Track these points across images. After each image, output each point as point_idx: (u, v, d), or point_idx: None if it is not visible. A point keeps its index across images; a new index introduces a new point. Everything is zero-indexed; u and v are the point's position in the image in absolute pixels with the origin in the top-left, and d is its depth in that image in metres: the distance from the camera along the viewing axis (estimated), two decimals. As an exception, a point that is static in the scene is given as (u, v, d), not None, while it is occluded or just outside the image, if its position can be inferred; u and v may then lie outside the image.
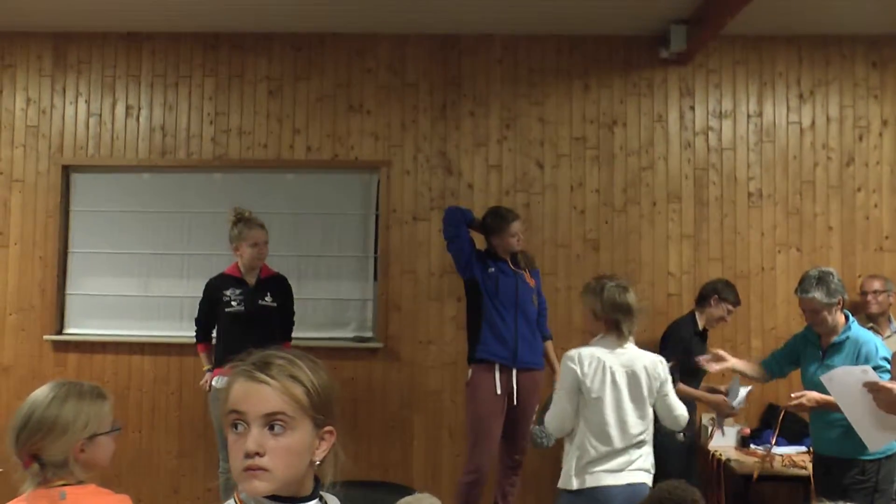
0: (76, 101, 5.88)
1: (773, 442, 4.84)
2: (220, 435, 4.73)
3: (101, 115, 5.86)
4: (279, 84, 5.80)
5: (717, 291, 4.94)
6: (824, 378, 3.57)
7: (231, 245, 4.87)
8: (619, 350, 3.54)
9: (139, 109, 5.86)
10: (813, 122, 5.69)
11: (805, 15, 5.35)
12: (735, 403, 4.60)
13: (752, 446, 5.04)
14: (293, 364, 1.46)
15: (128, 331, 5.75)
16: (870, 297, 5.18)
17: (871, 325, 4.95)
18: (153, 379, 5.71)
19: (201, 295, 4.98)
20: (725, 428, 4.87)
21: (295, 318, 5.08)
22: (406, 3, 5.24)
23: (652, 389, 3.55)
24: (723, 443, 5.05)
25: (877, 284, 5.21)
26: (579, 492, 3.45)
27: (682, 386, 4.68)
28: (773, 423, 5.05)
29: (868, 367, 3.49)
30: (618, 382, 3.49)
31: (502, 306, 4.74)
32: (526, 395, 4.69)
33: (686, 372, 4.77)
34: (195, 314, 5.00)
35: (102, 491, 2.20)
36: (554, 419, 3.58)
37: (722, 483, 4.91)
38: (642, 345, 5.35)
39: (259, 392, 1.41)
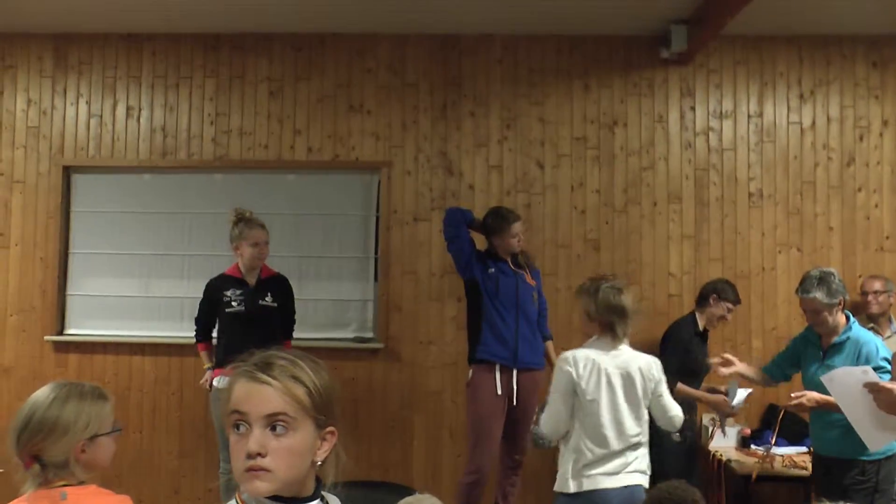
0: (77, 102, 5.88)
1: (773, 442, 4.84)
2: (221, 435, 4.74)
3: (101, 116, 5.87)
4: (280, 85, 5.81)
5: (716, 291, 4.94)
6: (825, 378, 3.57)
7: (231, 245, 4.87)
8: (613, 352, 3.53)
9: (140, 110, 5.86)
10: (813, 123, 5.69)
11: (805, 15, 5.35)
12: (734, 404, 4.60)
13: (753, 447, 5.04)
14: (295, 365, 1.46)
15: (128, 331, 5.75)
16: (870, 298, 5.18)
17: (871, 325, 4.95)
18: (154, 379, 5.71)
19: (202, 295, 4.98)
20: (726, 428, 4.86)
21: (296, 318, 5.08)
22: (406, 4, 5.24)
23: (647, 391, 3.55)
24: (723, 443, 5.05)
25: (877, 285, 5.21)
26: (577, 495, 3.45)
27: (681, 386, 4.69)
28: (773, 423, 5.05)
29: (868, 368, 3.49)
30: (613, 384, 3.49)
31: (503, 307, 4.74)
32: (526, 396, 4.69)
33: (686, 372, 4.78)
34: (196, 314, 5.01)
35: (103, 491, 2.20)
36: (548, 421, 3.58)
37: (722, 483, 4.91)
38: (644, 345, 5.36)
39: (261, 393, 1.41)
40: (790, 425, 4.91)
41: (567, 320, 5.48)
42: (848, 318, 3.87)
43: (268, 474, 1.39)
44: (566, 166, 5.70)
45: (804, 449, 4.81)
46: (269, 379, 1.42)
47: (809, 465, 4.34)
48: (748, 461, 4.80)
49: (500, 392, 4.66)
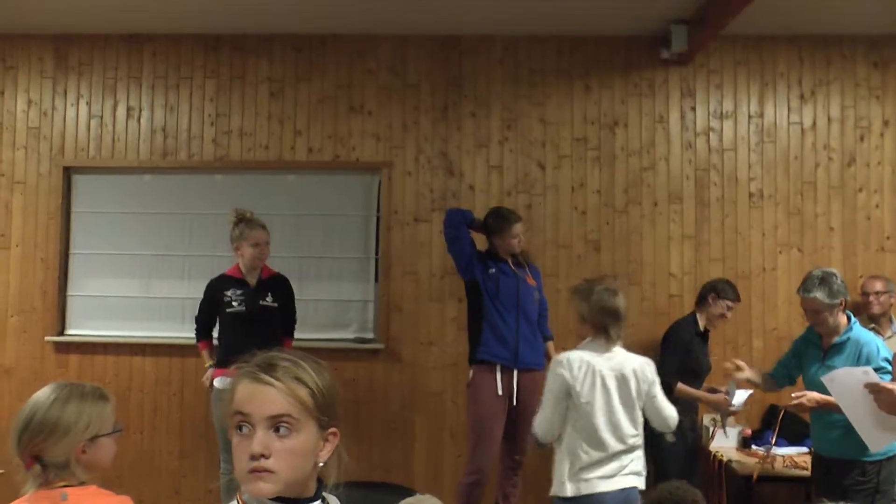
0: (77, 103, 5.89)
1: (773, 442, 4.84)
2: (222, 436, 4.74)
3: (102, 117, 5.87)
4: (280, 85, 5.81)
5: (714, 290, 4.94)
6: (825, 379, 3.57)
7: (232, 245, 4.87)
8: (607, 354, 3.53)
9: (140, 111, 5.86)
10: (814, 123, 5.69)
11: (806, 15, 5.35)
12: (735, 404, 4.60)
13: (754, 447, 5.03)
14: (298, 366, 1.46)
15: (129, 332, 5.76)
16: (872, 298, 5.18)
17: (872, 325, 4.95)
18: (154, 380, 5.71)
19: (202, 295, 4.99)
20: (727, 429, 4.86)
21: (296, 318, 5.08)
22: (407, 5, 5.24)
23: (641, 392, 3.54)
24: (724, 444, 5.05)
25: (878, 285, 5.21)
26: (574, 499, 3.45)
27: (682, 386, 4.69)
28: (774, 424, 5.05)
29: (869, 368, 3.49)
30: (608, 386, 3.48)
31: (503, 307, 4.74)
32: (527, 396, 4.68)
33: (687, 372, 4.78)
34: (195, 315, 5.02)
35: (104, 492, 2.20)
36: (542, 424, 3.58)
37: (723, 484, 4.91)
38: (644, 345, 5.39)
39: (264, 394, 1.41)
40: (790, 426, 4.91)
41: (568, 321, 5.44)
42: (849, 319, 3.86)
43: (271, 475, 1.39)
44: (567, 167, 5.70)
45: (805, 449, 4.81)
46: (273, 380, 1.42)
47: (810, 466, 4.33)
48: (749, 461, 4.80)
49: (500, 392, 4.66)
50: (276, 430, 1.41)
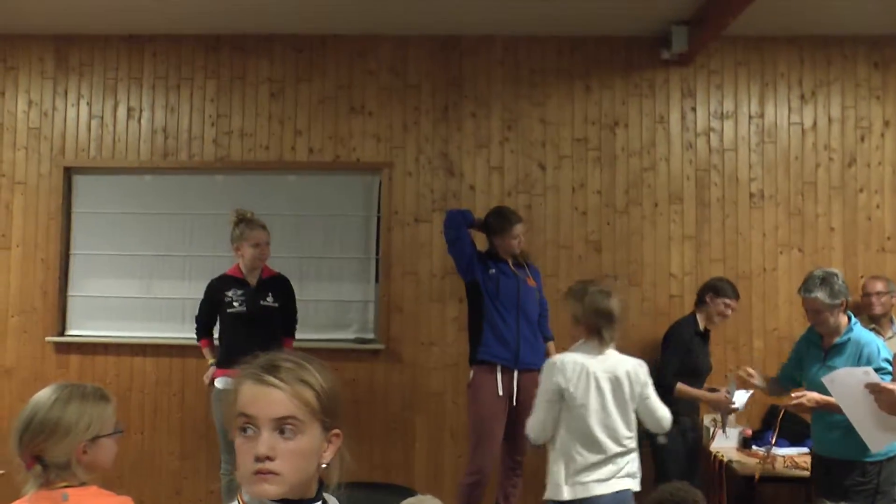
0: (78, 104, 5.89)
1: (773, 442, 4.83)
2: (223, 436, 4.74)
3: (102, 118, 5.87)
4: (281, 86, 5.81)
5: (711, 289, 4.95)
6: (826, 379, 3.57)
7: (232, 245, 4.88)
8: (601, 356, 3.52)
9: (141, 111, 5.86)
10: (815, 123, 5.69)
11: (806, 15, 5.35)
12: (736, 405, 4.60)
13: (754, 447, 5.03)
14: (302, 367, 1.46)
15: (130, 332, 5.76)
16: (873, 299, 5.17)
17: (872, 326, 4.94)
18: (155, 380, 5.71)
19: (203, 296, 4.99)
20: (727, 429, 4.86)
21: (297, 318, 5.08)
22: (407, 5, 5.24)
23: (634, 394, 3.54)
24: (724, 444, 5.04)
25: (879, 286, 5.20)
26: (570, 503, 3.44)
27: (681, 386, 4.69)
28: (774, 424, 5.05)
29: (869, 369, 3.49)
30: (602, 388, 3.48)
31: (503, 307, 4.74)
32: (527, 397, 4.65)
33: (687, 372, 4.77)
34: (196, 313, 5.02)
35: (104, 493, 2.20)
36: (535, 426, 3.58)
37: (724, 484, 4.91)
38: (645, 346, 5.39)
39: (269, 396, 1.41)
40: (791, 426, 4.90)
41: (568, 321, 5.44)
42: (850, 319, 3.86)
43: (276, 477, 1.40)
44: (567, 167, 5.70)
45: (805, 450, 4.80)
46: (278, 382, 1.42)
47: (810, 466, 4.33)
48: (749, 462, 4.80)
49: (501, 393, 4.66)
50: (281, 431, 1.41)
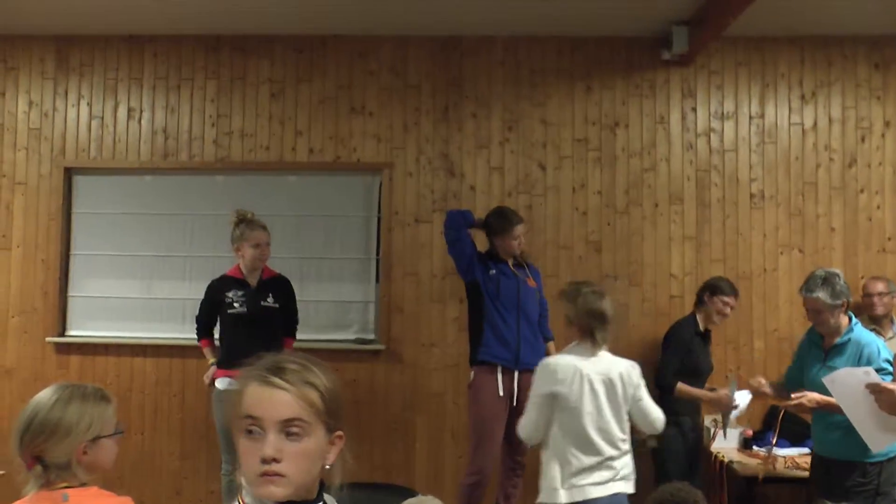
0: (78, 104, 5.89)
1: (774, 443, 4.83)
2: (223, 436, 4.74)
3: (103, 118, 5.87)
4: (281, 86, 5.81)
5: (708, 287, 4.97)
6: (826, 380, 3.56)
7: (233, 246, 4.87)
8: (594, 358, 3.51)
9: (141, 112, 5.87)
10: (815, 124, 5.69)
11: (807, 16, 5.35)
12: (738, 406, 4.60)
13: (755, 448, 5.03)
14: (307, 369, 1.46)
15: (130, 333, 5.76)
16: (875, 300, 5.17)
17: (873, 326, 4.93)
18: (155, 381, 5.71)
19: (203, 296, 4.99)
20: (728, 430, 4.86)
21: (298, 318, 5.08)
22: (407, 5, 5.24)
23: (627, 396, 3.53)
24: (725, 445, 5.04)
25: (880, 286, 5.20)
26: None
27: (682, 385, 4.69)
28: (774, 424, 5.05)
29: (870, 369, 3.49)
30: (596, 390, 3.47)
31: (504, 308, 4.74)
32: (528, 397, 4.67)
33: (688, 373, 4.77)
34: (197, 314, 5.03)
35: (105, 493, 2.20)
36: (526, 426, 3.57)
37: (724, 485, 4.91)
38: (646, 346, 5.39)
39: (275, 397, 1.41)
40: (792, 426, 4.90)
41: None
42: (850, 320, 3.86)
43: (282, 479, 1.40)
44: (568, 168, 5.70)
45: (806, 450, 4.79)
46: (284, 384, 1.42)
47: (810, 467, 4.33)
48: (750, 462, 4.80)
49: (501, 393, 4.66)
50: (287, 433, 1.41)
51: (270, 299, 4.86)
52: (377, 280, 5.74)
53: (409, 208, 5.72)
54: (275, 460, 1.39)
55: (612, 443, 3.48)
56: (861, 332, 3.85)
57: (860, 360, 3.72)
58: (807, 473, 4.31)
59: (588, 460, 3.44)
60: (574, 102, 5.73)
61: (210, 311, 4.93)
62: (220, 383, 4.73)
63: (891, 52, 5.67)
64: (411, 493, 3.44)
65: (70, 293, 5.84)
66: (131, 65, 5.88)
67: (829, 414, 3.69)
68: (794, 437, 4.95)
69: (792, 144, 5.67)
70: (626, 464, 3.54)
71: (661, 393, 4.79)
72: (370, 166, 5.76)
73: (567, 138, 5.72)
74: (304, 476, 1.43)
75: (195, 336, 5.05)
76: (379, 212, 5.77)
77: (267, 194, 5.71)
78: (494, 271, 4.79)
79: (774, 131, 5.69)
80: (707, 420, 5.20)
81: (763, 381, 4.13)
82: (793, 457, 4.78)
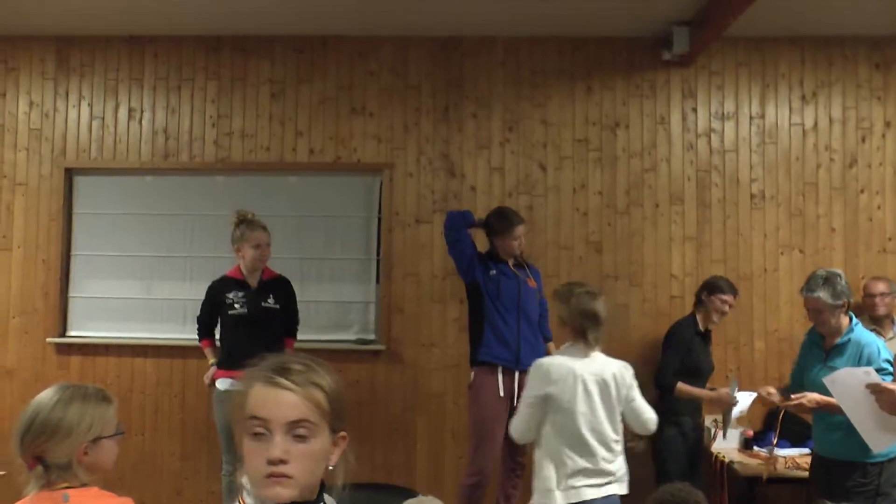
0: (79, 105, 5.89)
1: (775, 443, 4.83)
2: (224, 437, 4.74)
3: (103, 118, 5.87)
4: (281, 87, 5.81)
5: (706, 286, 4.98)
6: (827, 380, 3.56)
7: (233, 247, 4.87)
8: (587, 359, 3.50)
9: (142, 112, 5.87)
10: (816, 124, 5.68)
11: (807, 16, 5.35)
12: (741, 407, 4.60)
13: (756, 448, 5.03)
14: (313, 370, 1.46)
15: (131, 333, 5.76)
16: (877, 300, 5.16)
17: (874, 327, 4.93)
18: (156, 381, 5.71)
19: (204, 297, 4.99)
20: (729, 430, 4.85)
21: (298, 318, 5.08)
22: (407, 6, 5.24)
23: (621, 396, 3.53)
24: (726, 445, 5.04)
25: (882, 286, 5.20)
26: None
27: (682, 385, 4.69)
28: (775, 425, 5.05)
29: (870, 369, 3.49)
30: (590, 392, 3.46)
31: (504, 308, 4.74)
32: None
33: (688, 372, 4.78)
34: (198, 314, 5.03)
35: (105, 494, 2.20)
36: (518, 426, 3.56)
37: (725, 485, 4.90)
38: (646, 346, 5.39)
39: (283, 398, 1.41)
40: (793, 427, 4.90)
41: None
42: (851, 320, 3.86)
43: (289, 480, 1.39)
44: (568, 168, 5.70)
45: (807, 451, 4.79)
46: (291, 384, 1.42)
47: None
48: (751, 463, 4.80)
49: (502, 394, 4.65)
50: (294, 434, 1.40)
51: (271, 300, 4.86)
52: (377, 280, 5.74)
53: (409, 209, 5.72)
54: (282, 461, 1.38)
55: (606, 444, 3.47)
56: (861, 333, 3.85)
57: (860, 360, 3.72)
58: (807, 474, 4.31)
59: (583, 461, 3.43)
60: (574, 103, 5.73)
61: (211, 312, 4.93)
62: (221, 384, 4.73)
63: (891, 53, 5.67)
64: (412, 494, 3.44)
65: (71, 294, 5.84)
66: (132, 65, 5.89)
67: (830, 414, 3.69)
68: (794, 437, 4.95)
69: (792, 145, 5.67)
70: (619, 465, 3.54)
71: (661, 393, 4.80)
72: (370, 167, 5.76)
73: (567, 139, 5.72)
74: (310, 477, 1.43)
75: (196, 337, 5.06)
76: (379, 212, 5.77)
77: (267, 195, 5.71)
78: (495, 272, 4.79)
79: (775, 132, 5.69)
80: (708, 420, 5.19)
81: (772, 389, 4.11)
82: (793, 457, 4.77)
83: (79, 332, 5.82)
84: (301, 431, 1.41)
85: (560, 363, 3.49)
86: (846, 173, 5.64)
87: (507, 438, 4.71)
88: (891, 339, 5.00)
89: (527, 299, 4.80)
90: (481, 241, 4.95)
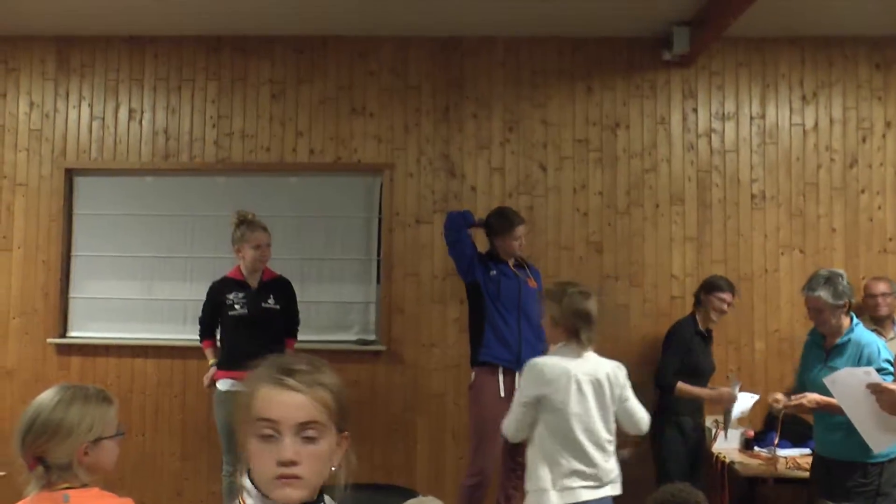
0: (79, 105, 5.89)
1: (776, 444, 4.83)
2: (224, 437, 4.74)
3: (104, 119, 5.87)
4: (282, 87, 5.81)
5: (704, 286, 4.99)
6: (827, 380, 3.56)
7: (233, 247, 4.87)
8: (580, 359, 3.49)
9: (142, 113, 5.87)
10: (816, 124, 5.68)
11: (807, 16, 5.35)
12: (742, 407, 4.60)
13: (756, 448, 5.03)
14: (317, 370, 1.46)
15: (131, 334, 5.76)
16: (879, 300, 5.16)
17: (874, 327, 4.93)
18: (156, 382, 5.71)
19: (204, 297, 4.99)
20: (730, 430, 4.85)
21: (299, 318, 5.08)
22: (407, 6, 5.24)
23: (614, 397, 3.52)
24: (726, 445, 5.04)
25: (882, 287, 5.19)
26: None
27: (682, 385, 4.69)
28: (775, 425, 5.05)
29: (871, 369, 3.49)
30: (584, 392, 3.45)
31: (504, 309, 4.74)
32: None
33: (688, 372, 4.77)
34: (198, 316, 5.03)
35: (106, 494, 2.20)
36: (510, 425, 3.55)
37: (726, 485, 4.90)
38: (647, 347, 5.39)
39: (291, 400, 1.41)
40: (793, 427, 4.90)
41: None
42: (852, 320, 3.86)
43: (300, 481, 1.39)
44: (568, 168, 5.70)
45: (808, 451, 4.79)
46: (299, 386, 1.41)
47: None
48: (751, 463, 4.80)
49: (502, 394, 4.64)
50: (303, 436, 1.40)
51: (271, 301, 4.86)
52: (378, 281, 5.74)
53: (409, 209, 5.72)
54: (293, 463, 1.38)
55: (599, 444, 3.46)
56: (861, 333, 3.85)
57: (860, 360, 3.72)
58: (808, 474, 4.31)
59: (577, 462, 3.42)
60: (575, 103, 5.73)
61: (211, 312, 4.93)
62: (222, 384, 4.73)
63: (892, 53, 5.67)
64: (412, 494, 3.45)
65: (71, 294, 5.84)
66: (132, 66, 5.89)
67: (830, 415, 3.69)
68: (795, 437, 4.94)
69: (793, 145, 5.67)
70: (613, 466, 3.53)
71: (661, 393, 4.80)
72: (371, 167, 5.76)
73: (568, 139, 5.71)
74: (318, 478, 1.43)
75: (196, 337, 5.06)
76: (380, 212, 5.77)
77: (268, 195, 5.71)
78: (495, 272, 4.79)
79: (775, 132, 5.69)
80: (708, 420, 5.19)
81: (780, 396, 4.09)
82: (794, 457, 4.77)
83: (79, 332, 5.82)
84: (310, 433, 1.40)
85: (554, 364, 3.47)
86: (847, 173, 5.64)
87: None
88: (891, 339, 5.00)
89: (527, 299, 4.80)
90: (481, 242, 4.95)
